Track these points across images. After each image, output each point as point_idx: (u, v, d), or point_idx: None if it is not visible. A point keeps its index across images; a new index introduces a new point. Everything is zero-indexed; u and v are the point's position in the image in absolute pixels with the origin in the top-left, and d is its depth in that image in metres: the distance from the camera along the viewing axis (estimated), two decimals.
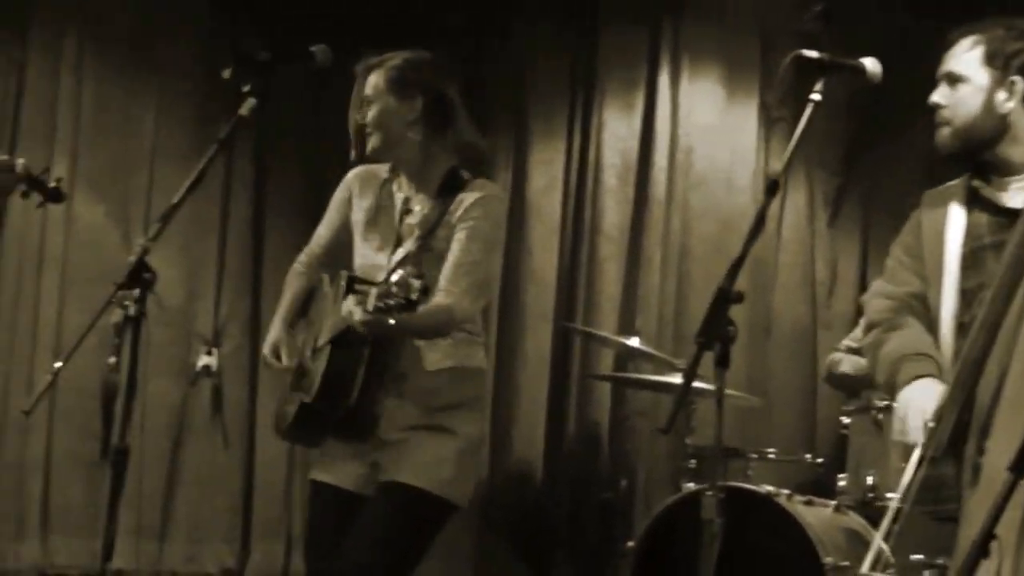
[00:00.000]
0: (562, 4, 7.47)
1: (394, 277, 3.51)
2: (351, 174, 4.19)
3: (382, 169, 4.12)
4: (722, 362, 3.16)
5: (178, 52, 7.29)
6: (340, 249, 4.16)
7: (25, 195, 4.13)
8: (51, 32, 7.04)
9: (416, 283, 3.47)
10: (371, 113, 3.97)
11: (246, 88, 3.60)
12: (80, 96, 7.07)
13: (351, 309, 3.64)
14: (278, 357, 4.04)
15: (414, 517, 3.87)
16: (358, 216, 4.09)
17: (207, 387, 7.21)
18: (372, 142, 3.99)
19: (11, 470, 6.81)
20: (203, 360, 7.19)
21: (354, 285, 3.80)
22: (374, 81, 3.97)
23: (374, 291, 3.54)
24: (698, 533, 3.10)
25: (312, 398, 3.87)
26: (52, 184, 4.16)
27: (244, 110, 3.58)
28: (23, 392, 6.74)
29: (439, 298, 3.82)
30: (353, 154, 4.09)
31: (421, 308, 3.63)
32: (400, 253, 3.96)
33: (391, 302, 3.48)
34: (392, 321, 3.54)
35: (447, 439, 3.89)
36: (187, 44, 7.31)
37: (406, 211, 4.00)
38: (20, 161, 4.09)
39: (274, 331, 4.10)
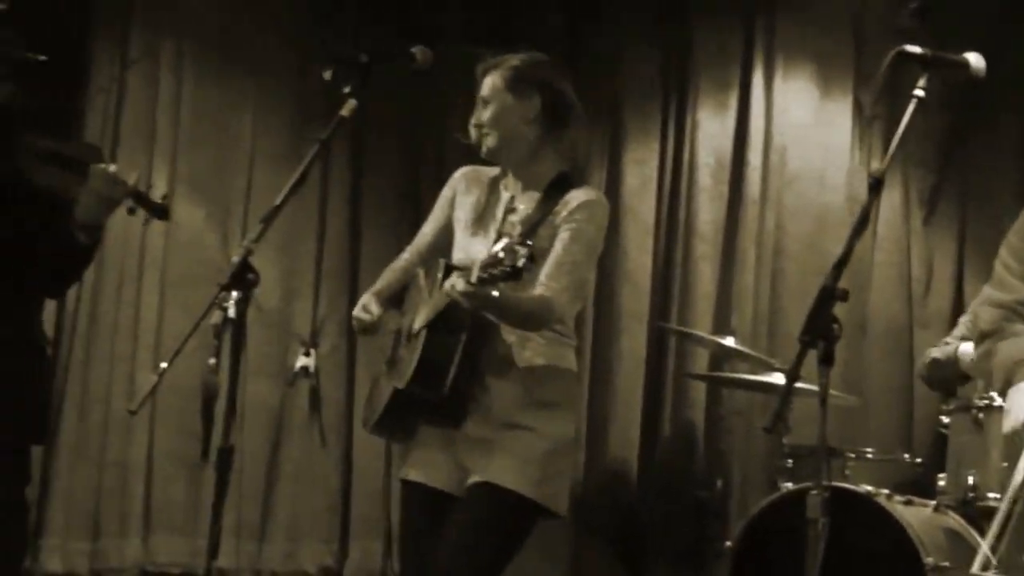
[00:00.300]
0: (654, 5, 7.45)
1: (499, 245, 3.46)
2: (458, 173, 4.17)
3: (491, 168, 4.11)
4: (826, 360, 3.10)
5: (275, 55, 7.36)
6: (443, 248, 4.11)
7: (131, 211, 4.11)
8: (150, 37, 7.10)
9: (523, 250, 3.40)
10: (488, 113, 3.95)
11: (346, 89, 3.61)
12: (179, 100, 7.13)
13: (453, 283, 3.60)
14: (368, 311, 4.03)
15: (503, 520, 3.83)
16: (461, 213, 4.07)
17: (305, 387, 7.26)
18: (488, 142, 3.97)
19: (114, 469, 6.87)
20: (301, 361, 7.24)
21: (451, 272, 3.78)
22: (491, 81, 3.96)
23: (478, 262, 3.50)
24: (798, 533, 3.07)
25: (406, 383, 3.82)
26: (159, 200, 4.14)
27: (345, 111, 3.60)
28: (125, 393, 6.81)
29: (539, 291, 3.80)
30: (483, 149, 4.04)
31: (523, 294, 3.67)
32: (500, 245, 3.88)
33: (496, 271, 3.43)
34: (496, 293, 3.51)
35: (535, 439, 3.84)
36: (283, 47, 7.37)
37: (510, 209, 3.97)
38: (130, 174, 4.05)
39: (363, 297, 4.10)
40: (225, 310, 3.36)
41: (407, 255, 4.22)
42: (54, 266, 4.20)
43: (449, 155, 6.57)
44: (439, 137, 7.32)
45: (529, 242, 3.48)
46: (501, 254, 3.42)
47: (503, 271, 3.42)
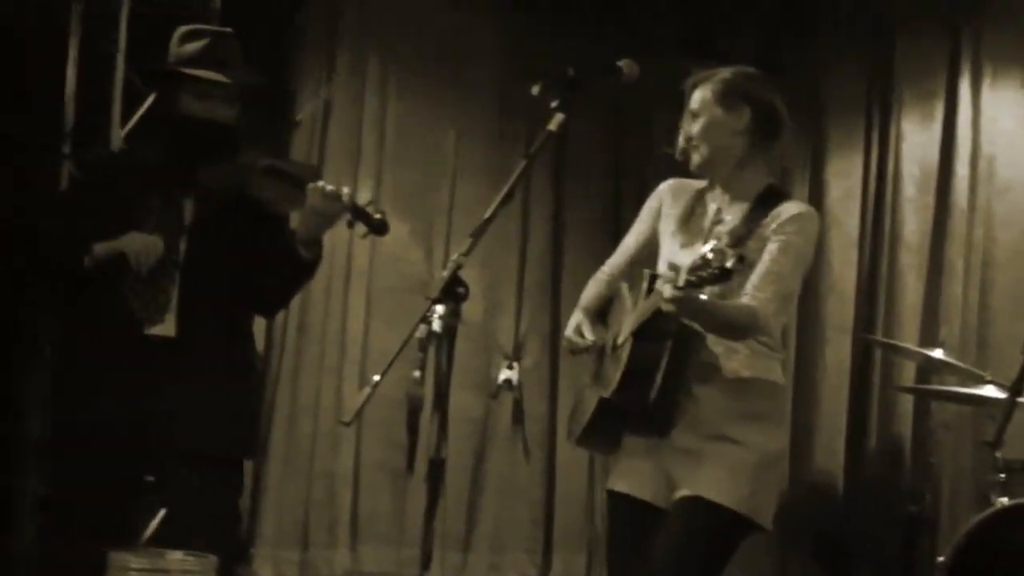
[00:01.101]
0: (857, 16, 7.34)
1: (708, 246, 3.41)
2: (664, 185, 4.12)
3: (696, 181, 4.06)
4: None
5: (477, 71, 7.40)
6: (645, 260, 4.08)
7: (350, 225, 4.15)
8: (355, 55, 7.17)
9: (732, 252, 3.35)
10: (697, 126, 3.91)
11: (554, 104, 3.58)
12: (384, 117, 7.19)
13: (660, 288, 3.55)
14: (581, 335, 4.01)
15: (712, 534, 3.78)
16: (667, 225, 4.03)
17: (508, 400, 7.30)
18: (697, 157, 3.93)
19: (323, 480, 6.95)
20: (504, 374, 7.29)
21: (656, 282, 3.73)
22: (701, 95, 3.92)
23: (686, 265, 3.45)
24: (1016, 548, 2.97)
25: (612, 392, 3.78)
26: (377, 216, 4.15)
27: (553, 125, 3.57)
28: (332, 405, 6.91)
29: (744, 300, 3.74)
30: (692, 163, 3.99)
31: (729, 302, 3.64)
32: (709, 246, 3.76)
33: (704, 274, 3.38)
34: (703, 296, 3.48)
35: (743, 452, 3.78)
36: (486, 62, 7.41)
37: (717, 220, 3.91)
38: (345, 190, 4.12)
39: (575, 316, 4.08)
40: (430, 323, 3.36)
41: (609, 268, 4.18)
42: (279, 282, 4.30)
43: (652, 169, 6.56)
44: (642, 151, 7.30)
45: (740, 244, 3.46)
46: (710, 255, 3.37)
47: (711, 273, 3.38)
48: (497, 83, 7.36)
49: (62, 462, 4.31)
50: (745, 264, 3.46)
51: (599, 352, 4.05)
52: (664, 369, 3.76)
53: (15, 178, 5.68)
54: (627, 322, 3.87)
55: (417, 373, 3.37)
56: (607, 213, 7.44)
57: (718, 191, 4.00)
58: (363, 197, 4.33)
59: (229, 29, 4.38)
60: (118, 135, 6.13)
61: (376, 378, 3.31)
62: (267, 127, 5.85)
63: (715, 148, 3.90)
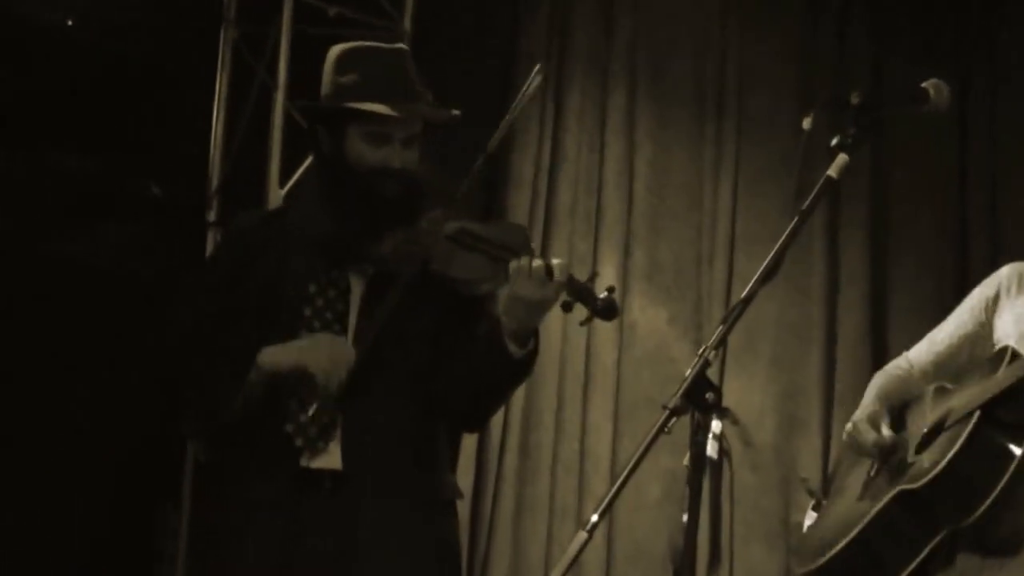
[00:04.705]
0: None
1: None
2: (1007, 269, 4.11)
3: None
4: None
5: (761, 101, 7.31)
6: (961, 365, 4.10)
7: (567, 308, 4.02)
8: (593, 81, 7.26)
9: None
10: None
11: (834, 142, 3.45)
12: (632, 166, 7.21)
13: None
14: (877, 428, 4.04)
15: None
16: (1007, 320, 4.00)
17: None
18: None
19: None
20: (811, 519, 6.99)
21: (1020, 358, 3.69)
22: None
23: None
24: None
25: (921, 484, 3.73)
26: (603, 295, 4.00)
27: (833, 171, 3.42)
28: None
29: None
30: None
31: None
32: None
33: None
34: None
35: None
36: (776, 88, 7.29)
37: None
38: (557, 262, 3.98)
39: (870, 404, 4.16)
40: (701, 446, 3.26)
41: (910, 362, 4.24)
42: (479, 388, 4.16)
43: (1003, 224, 6.68)
44: (989, 200, 7.10)
45: None
46: None
47: None
48: (787, 117, 7.13)
49: None
50: None
51: (885, 455, 4.05)
52: (1012, 473, 3.65)
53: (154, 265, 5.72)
54: (963, 396, 3.84)
55: (685, 516, 3.25)
56: (944, 291, 6.97)
57: None
58: (603, 280, 4.16)
59: (403, 46, 4.29)
60: (277, 195, 6.08)
61: (593, 519, 3.07)
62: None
63: None
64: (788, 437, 7.06)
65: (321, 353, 4.04)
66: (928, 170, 7.06)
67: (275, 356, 4.05)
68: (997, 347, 3.89)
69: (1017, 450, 3.64)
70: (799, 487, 6.90)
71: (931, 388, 4.07)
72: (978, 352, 4.05)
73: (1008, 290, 4.06)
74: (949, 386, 3.98)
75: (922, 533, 3.84)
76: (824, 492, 7.01)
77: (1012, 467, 3.63)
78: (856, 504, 3.97)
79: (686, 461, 3.19)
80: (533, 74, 4.10)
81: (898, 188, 7.08)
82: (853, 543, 3.92)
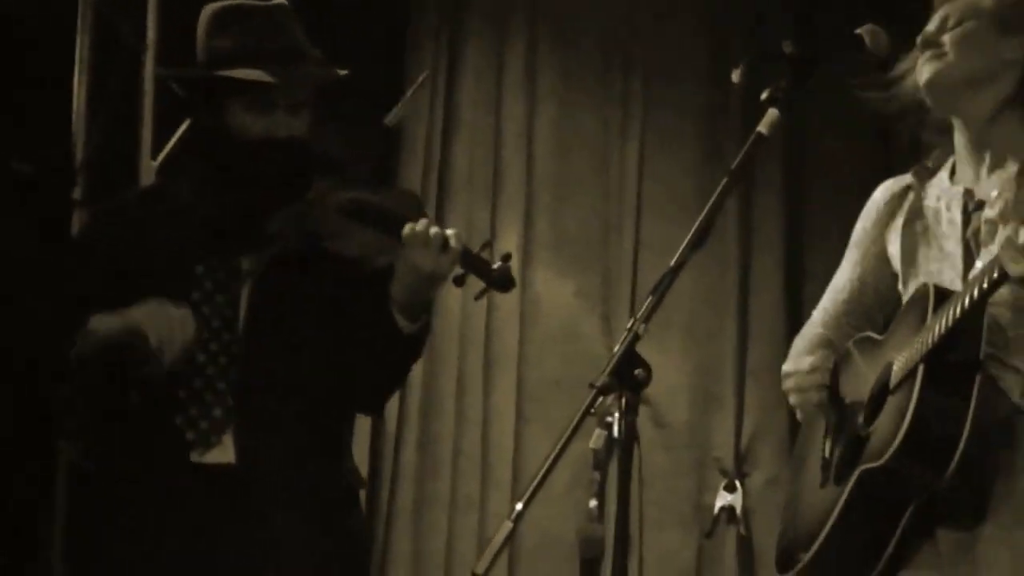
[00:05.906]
0: None
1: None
2: (880, 190, 4.06)
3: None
4: None
5: (670, 53, 7.38)
6: (867, 307, 4.05)
7: (459, 282, 4.10)
8: (490, 37, 7.39)
9: None
10: (954, 33, 3.76)
11: (764, 96, 3.45)
12: (532, 127, 7.32)
13: (1000, 256, 3.34)
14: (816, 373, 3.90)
15: None
16: (892, 240, 4.00)
17: (730, 537, 7.15)
18: (939, 65, 3.71)
19: None
20: (723, 499, 7.12)
21: (945, 296, 3.63)
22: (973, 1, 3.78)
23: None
24: None
25: (886, 459, 3.57)
26: (496, 264, 4.08)
27: (763, 127, 3.42)
28: (472, 549, 7.05)
29: None
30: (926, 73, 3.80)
31: None
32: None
33: None
34: None
35: None
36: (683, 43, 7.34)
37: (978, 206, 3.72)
38: (452, 232, 4.02)
39: (801, 357, 4.01)
40: (609, 428, 3.32)
41: (818, 319, 4.16)
42: (372, 367, 4.20)
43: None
44: (913, 159, 7.05)
45: None
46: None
47: None
48: (704, 71, 7.25)
49: None
50: None
51: (838, 417, 3.94)
52: (970, 420, 3.57)
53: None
54: (900, 357, 3.74)
55: (593, 502, 3.51)
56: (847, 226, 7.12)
57: (965, 157, 3.78)
58: (499, 250, 4.22)
59: (284, 1, 4.22)
60: (149, 167, 6.10)
61: (518, 508, 3.08)
62: (361, 141, 5.92)
63: (971, 68, 3.76)
64: (702, 415, 7.15)
65: (160, 317, 4.05)
66: (847, 131, 7.12)
67: (108, 319, 4.08)
68: (902, 277, 3.88)
69: (971, 391, 3.57)
70: (711, 466, 7.04)
71: (852, 344, 4.02)
72: (882, 287, 4.04)
73: (886, 210, 4.05)
74: (876, 336, 3.93)
75: (895, 510, 3.85)
76: (737, 470, 7.18)
77: (971, 409, 3.57)
78: (820, 493, 3.87)
79: (593, 444, 3.22)
80: (420, 79, 4.10)
81: (814, 149, 7.23)
82: (826, 541, 3.76)
